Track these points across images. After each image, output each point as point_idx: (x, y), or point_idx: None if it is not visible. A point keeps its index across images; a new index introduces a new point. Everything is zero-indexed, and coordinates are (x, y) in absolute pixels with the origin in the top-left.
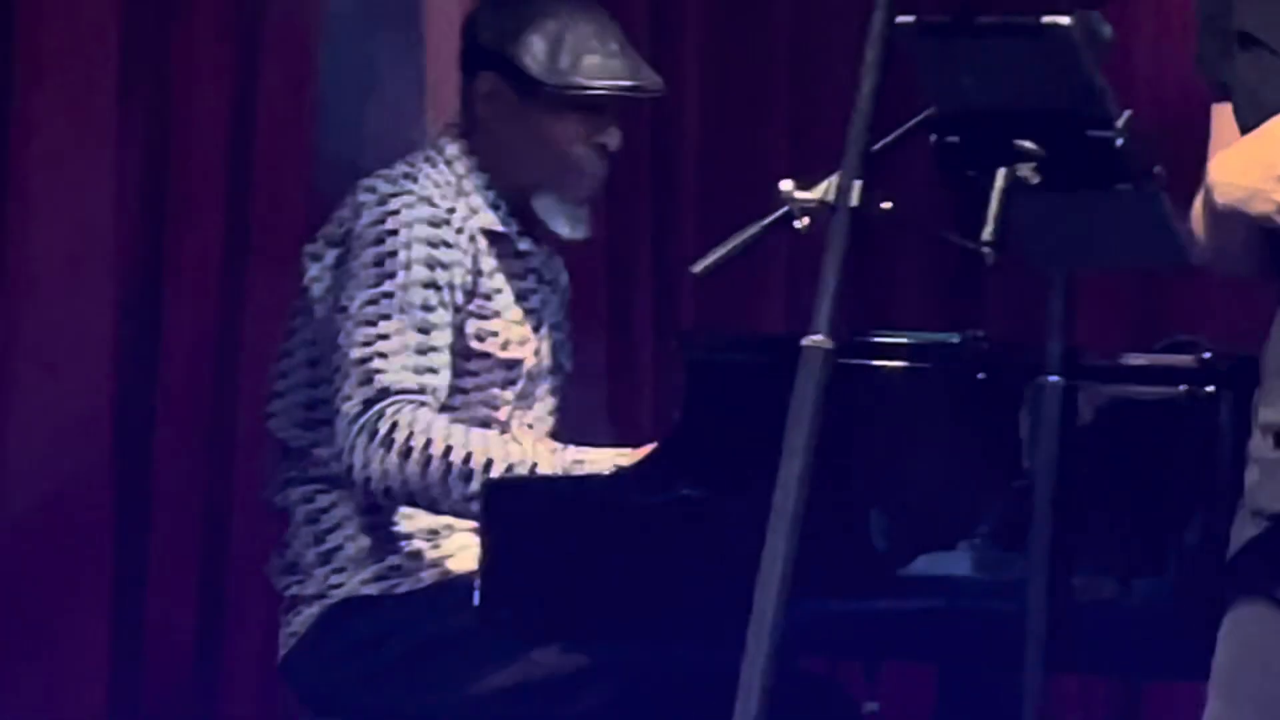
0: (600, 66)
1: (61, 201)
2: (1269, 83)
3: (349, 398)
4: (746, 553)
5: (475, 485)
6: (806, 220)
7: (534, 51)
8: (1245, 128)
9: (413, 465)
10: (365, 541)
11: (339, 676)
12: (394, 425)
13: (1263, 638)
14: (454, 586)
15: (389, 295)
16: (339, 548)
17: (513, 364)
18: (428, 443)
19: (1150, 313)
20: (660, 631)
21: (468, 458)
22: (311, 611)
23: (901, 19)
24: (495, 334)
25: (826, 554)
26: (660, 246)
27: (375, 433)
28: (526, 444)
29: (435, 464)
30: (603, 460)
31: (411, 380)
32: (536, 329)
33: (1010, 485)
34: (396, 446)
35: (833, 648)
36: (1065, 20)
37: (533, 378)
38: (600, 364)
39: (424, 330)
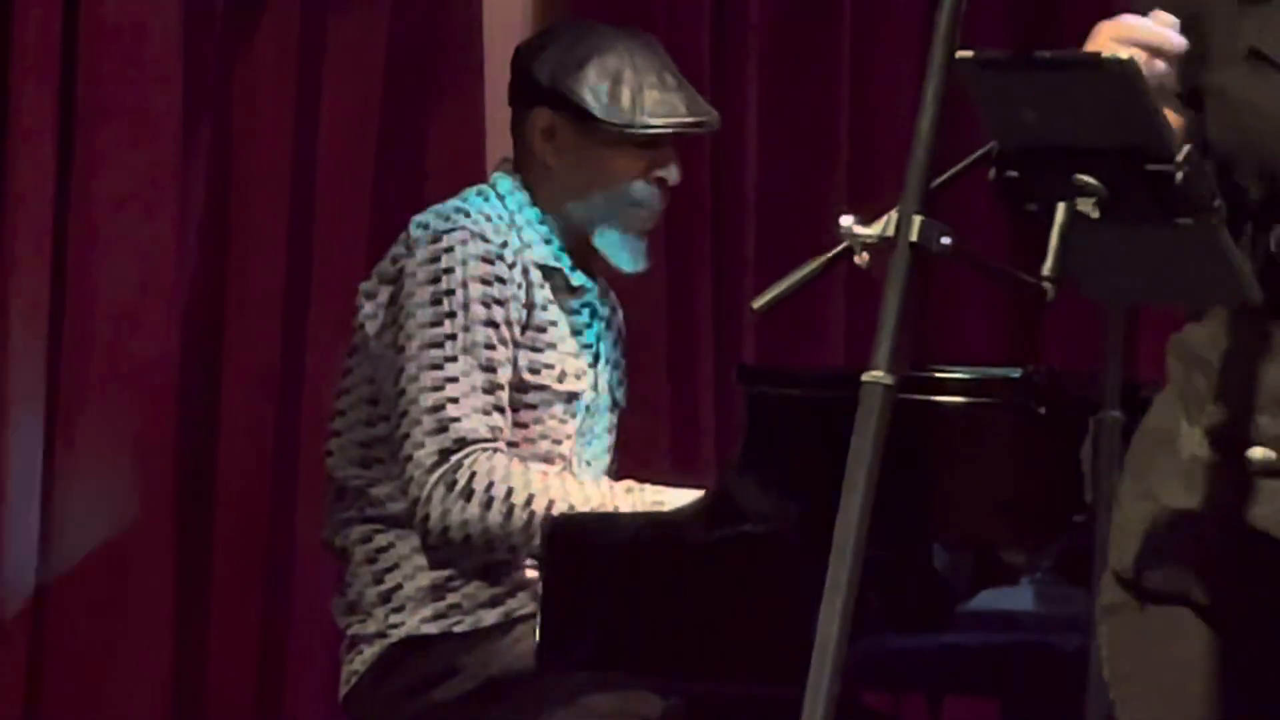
0: (660, 102)
1: (126, 238)
2: (1273, 96)
3: (421, 445)
4: (808, 588)
5: None
6: (866, 255)
7: (594, 88)
8: (1239, 133)
9: (494, 515)
10: (425, 580)
11: (400, 715)
12: (472, 475)
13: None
14: (514, 625)
15: (452, 337)
16: (398, 587)
17: (571, 396)
18: (509, 491)
19: None
20: (722, 669)
21: (550, 505)
22: (372, 650)
23: (961, 53)
24: (551, 366)
25: (888, 589)
26: (721, 283)
27: (454, 484)
28: (604, 487)
29: (517, 513)
30: (681, 502)
31: (484, 427)
32: (593, 363)
33: (1072, 519)
34: (477, 497)
35: (895, 683)
36: (1126, 54)
37: (591, 412)
38: (662, 400)
39: (489, 369)
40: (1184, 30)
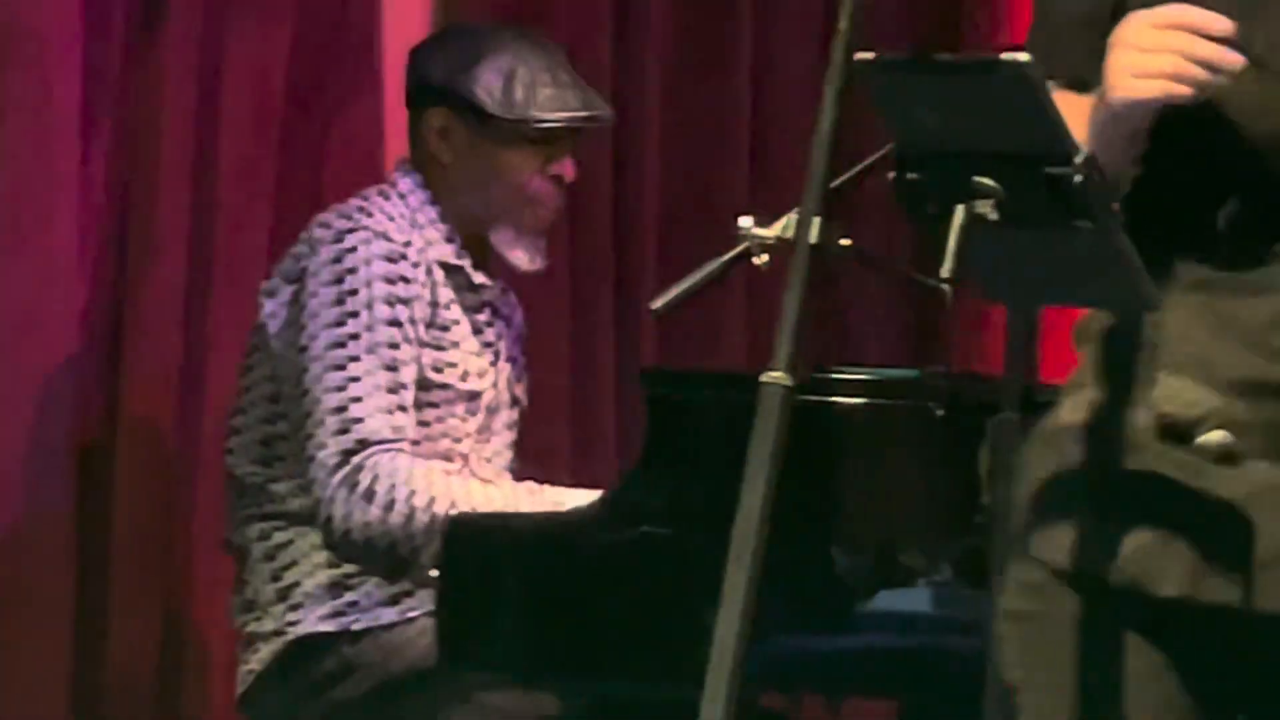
0: (554, 98)
1: (26, 239)
2: (1233, 92)
3: (324, 446)
4: (707, 590)
5: None
6: (766, 257)
7: (487, 86)
8: (1165, 129)
9: (396, 517)
10: (323, 578)
11: (296, 714)
12: (375, 477)
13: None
14: (413, 624)
15: (355, 336)
16: (296, 584)
17: (473, 396)
18: (411, 494)
19: None
20: (621, 669)
21: (452, 506)
22: (270, 649)
23: (860, 55)
24: (454, 365)
25: (787, 590)
26: (621, 283)
27: (356, 485)
28: (506, 488)
29: (419, 515)
30: (583, 502)
31: (387, 427)
32: (494, 362)
33: (971, 521)
34: (379, 499)
35: (794, 684)
36: (1023, 57)
37: (491, 410)
38: (562, 401)
39: (392, 369)
40: (1100, 23)
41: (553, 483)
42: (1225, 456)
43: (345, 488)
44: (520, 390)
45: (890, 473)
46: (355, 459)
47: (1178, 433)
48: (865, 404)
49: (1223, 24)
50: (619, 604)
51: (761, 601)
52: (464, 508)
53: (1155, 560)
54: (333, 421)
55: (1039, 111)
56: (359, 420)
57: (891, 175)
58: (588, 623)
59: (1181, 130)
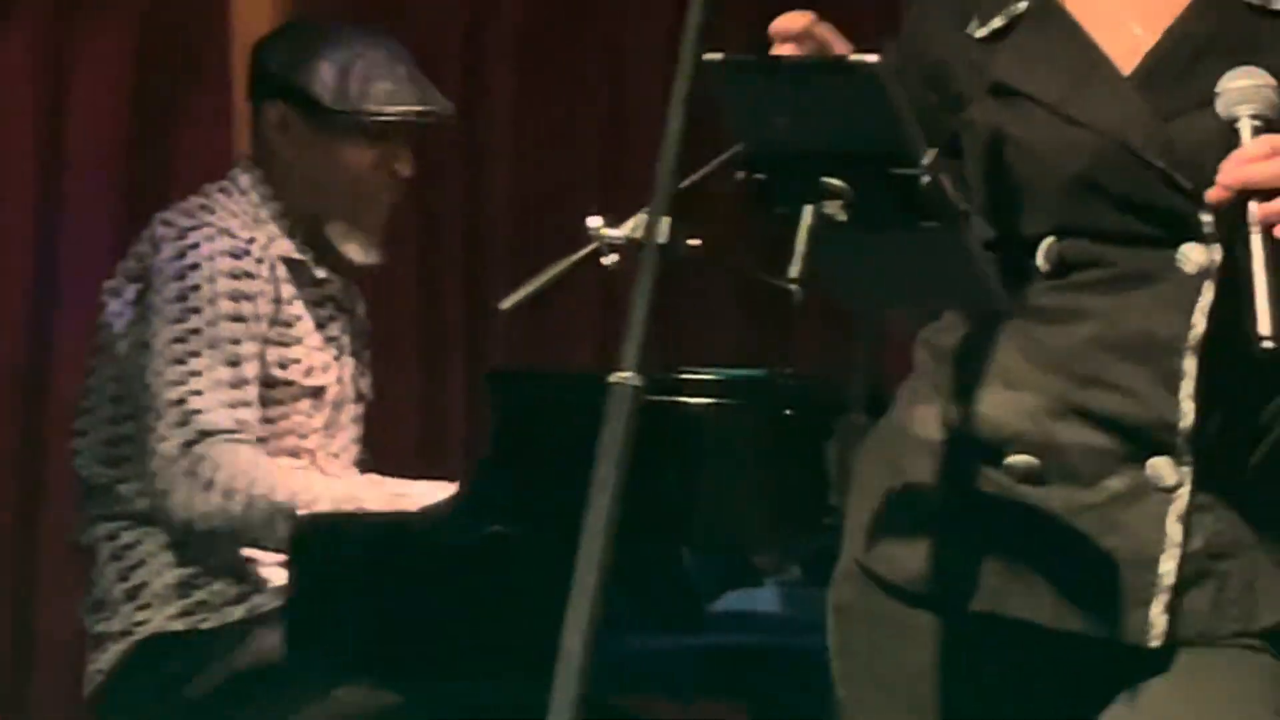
0: (390, 92)
1: None
2: (1040, 137)
3: (165, 438)
4: (556, 590)
5: None
6: (615, 257)
7: (323, 79)
8: (990, 161)
9: (235, 506)
10: (170, 577)
11: (146, 713)
12: (215, 467)
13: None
14: (262, 622)
15: (196, 331)
16: (144, 584)
17: (317, 391)
18: (251, 483)
19: None
20: (469, 669)
21: (292, 496)
22: (118, 648)
23: (709, 56)
24: (298, 361)
25: (637, 591)
26: (471, 282)
27: (196, 474)
28: (346, 480)
29: (258, 504)
30: (425, 494)
31: (227, 418)
32: (337, 356)
33: (819, 521)
34: (218, 488)
35: (643, 684)
36: (871, 59)
37: (336, 405)
38: (412, 398)
39: (234, 364)
40: (933, 80)
41: (403, 479)
42: (1031, 478)
43: (185, 477)
44: (365, 384)
45: (739, 473)
46: (195, 449)
47: (991, 453)
48: (714, 404)
49: None
50: (467, 602)
51: (610, 602)
52: (305, 497)
53: (964, 577)
54: (173, 414)
55: (888, 113)
56: (199, 412)
57: (740, 176)
58: (436, 621)
59: (1006, 170)
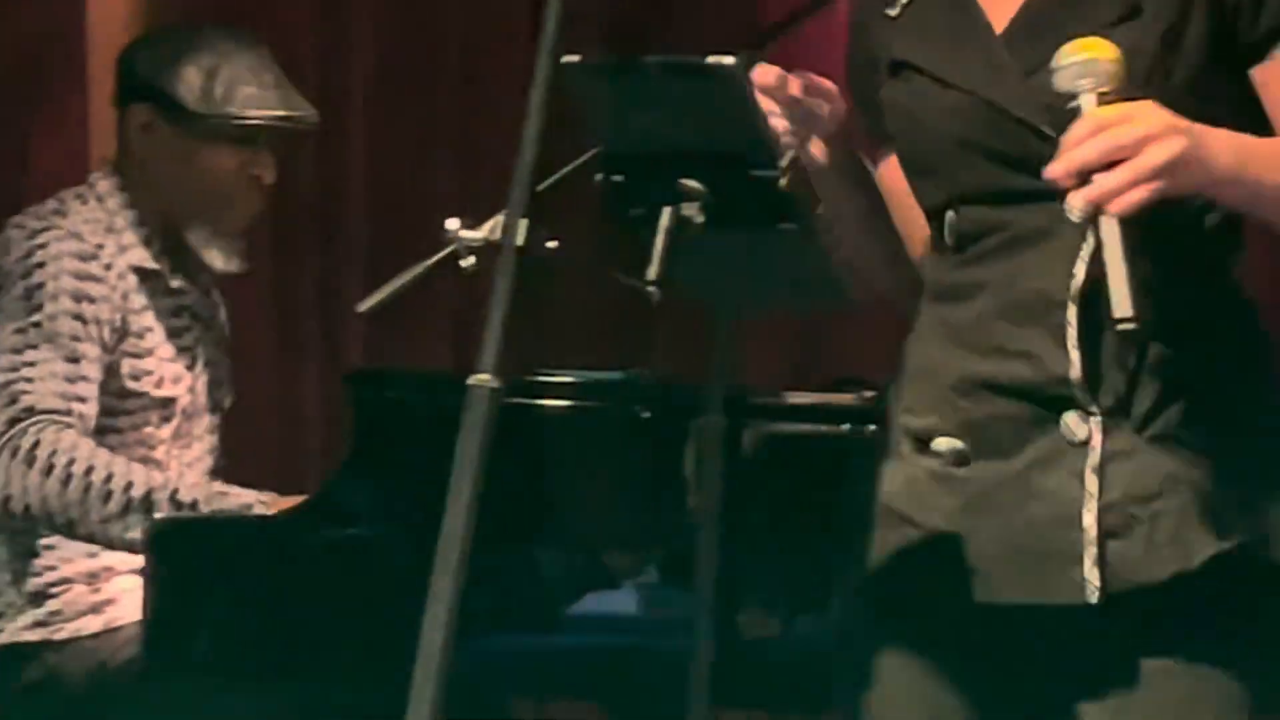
0: (254, 97)
1: None
2: (925, 105)
3: None
4: (414, 591)
5: (114, 506)
6: (473, 259)
7: (188, 82)
8: (900, 149)
9: (53, 483)
10: (23, 587)
11: None
12: (36, 443)
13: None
14: (118, 631)
15: (36, 325)
16: None
17: (167, 402)
18: (70, 461)
19: (813, 352)
20: (329, 671)
21: (108, 478)
22: None
23: (567, 58)
24: (150, 373)
25: (495, 592)
26: (327, 285)
27: (17, 450)
28: (170, 472)
29: (75, 483)
30: (246, 495)
31: (59, 402)
32: (190, 367)
33: (676, 523)
34: (38, 464)
35: (501, 685)
36: (730, 61)
37: (188, 416)
38: (268, 402)
39: (72, 360)
40: (872, 66)
41: (258, 485)
42: (959, 459)
43: (7, 453)
44: (223, 395)
45: (596, 475)
46: (19, 425)
47: (919, 441)
48: (572, 406)
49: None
50: (326, 606)
51: (468, 603)
52: (121, 481)
53: (913, 569)
54: (2, 396)
55: (745, 115)
56: (28, 393)
57: (598, 178)
58: (295, 625)
59: (910, 146)
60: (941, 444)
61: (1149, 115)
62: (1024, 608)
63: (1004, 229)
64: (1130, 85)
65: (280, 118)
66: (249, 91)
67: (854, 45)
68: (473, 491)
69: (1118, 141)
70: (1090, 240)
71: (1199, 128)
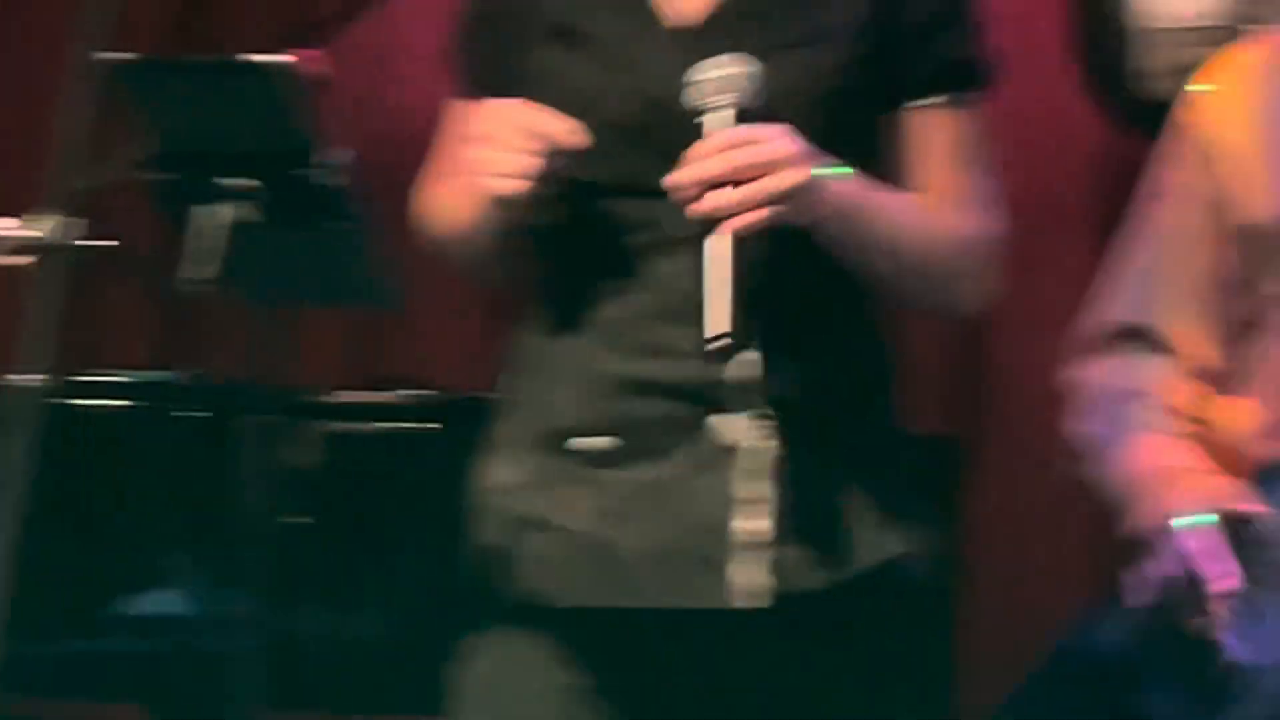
0: None
1: None
2: (589, 84)
3: None
4: None
5: None
6: (27, 258)
7: None
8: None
9: None
10: None
11: None
12: None
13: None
14: None
15: None
16: None
17: None
18: None
19: (371, 351)
20: None
21: None
22: None
23: (108, 55)
24: None
25: (34, 594)
26: None
27: None
28: None
29: None
30: None
31: None
32: None
33: (225, 524)
34: None
35: (41, 688)
36: (282, 60)
37: None
38: None
39: None
40: (498, 22)
41: None
42: (607, 460)
43: None
44: None
45: (145, 475)
46: None
47: (562, 441)
48: (121, 407)
49: (578, 138)
50: None
51: (16, 603)
52: None
53: (550, 572)
54: None
55: (296, 113)
56: None
57: (149, 176)
58: None
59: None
60: (584, 443)
61: (780, 140)
62: (676, 613)
63: (658, 226)
64: (776, 106)
65: None
66: None
67: None
68: (17, 492)
69: (745, 160)
70: (747, 245)
71: (829, 162)
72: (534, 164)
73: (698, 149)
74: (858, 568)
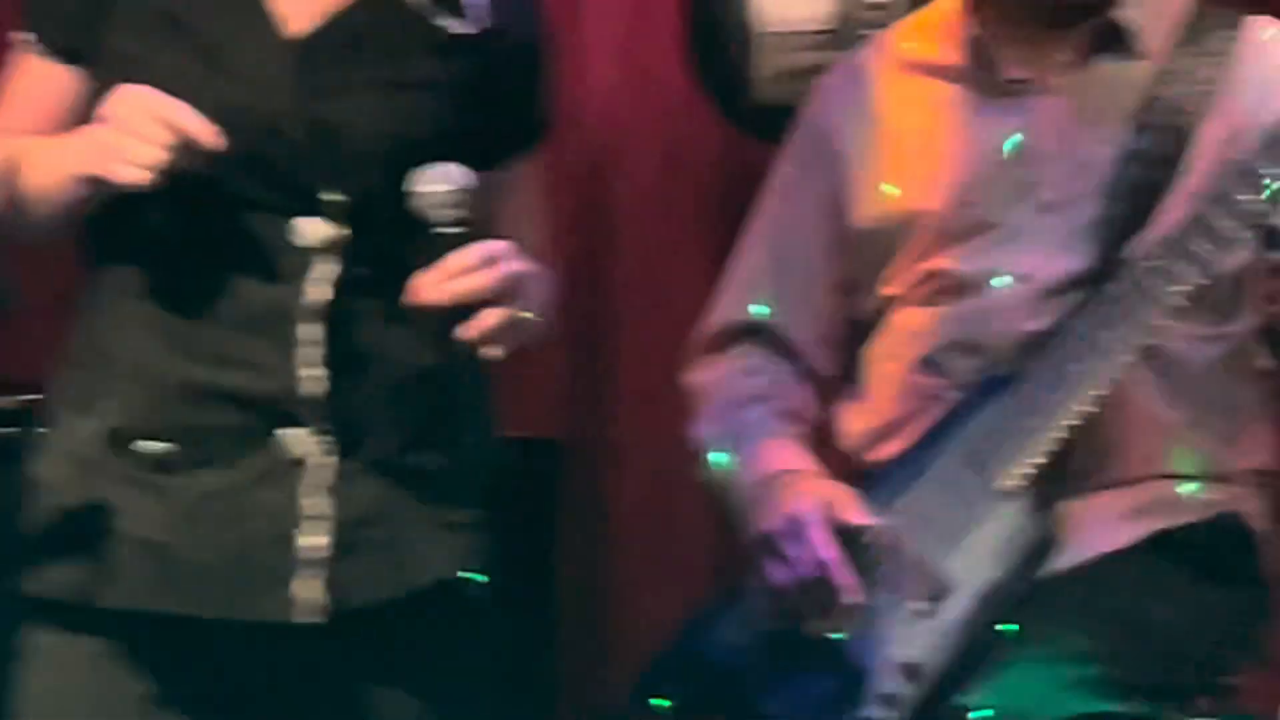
0: None
1: None
2: (180, 77)
3: None
4: None
5: None
6: None
7: None
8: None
9: None
10: None
11: None
12: None
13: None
14: None
15: None
16: None
17: None
18: None
19: None
20: None
21: None
22: None
23: None
24: None
25: None
26: None
27: None
28: None
29: None
30: None
31: None
32: None
33: None
34: None
35: None
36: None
37: None
38: None
39: None
40: None
41: None
42: (167, 466)
43: None
44: None
45: None
46: None
47: (123, 442)
48: None
49: (217, 141)
50: None
51: None
52: None
53: (107, 575)
54: None
55: None
56: None
57: None
58: None
59: None
60: (147, 446)
61: (515, 253)
62: (242, 625)
63: (237, 235)
64: (367, 145)
65: None
66: None
67: None
68: None
69: (502, 278)
70: (324, 265)
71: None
72: (165, 158)
73: (458, 262)
74: (411, 586)
